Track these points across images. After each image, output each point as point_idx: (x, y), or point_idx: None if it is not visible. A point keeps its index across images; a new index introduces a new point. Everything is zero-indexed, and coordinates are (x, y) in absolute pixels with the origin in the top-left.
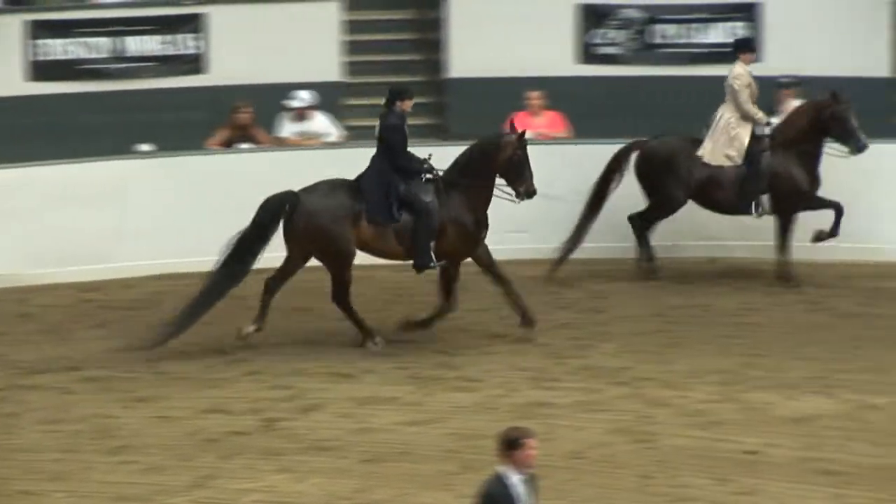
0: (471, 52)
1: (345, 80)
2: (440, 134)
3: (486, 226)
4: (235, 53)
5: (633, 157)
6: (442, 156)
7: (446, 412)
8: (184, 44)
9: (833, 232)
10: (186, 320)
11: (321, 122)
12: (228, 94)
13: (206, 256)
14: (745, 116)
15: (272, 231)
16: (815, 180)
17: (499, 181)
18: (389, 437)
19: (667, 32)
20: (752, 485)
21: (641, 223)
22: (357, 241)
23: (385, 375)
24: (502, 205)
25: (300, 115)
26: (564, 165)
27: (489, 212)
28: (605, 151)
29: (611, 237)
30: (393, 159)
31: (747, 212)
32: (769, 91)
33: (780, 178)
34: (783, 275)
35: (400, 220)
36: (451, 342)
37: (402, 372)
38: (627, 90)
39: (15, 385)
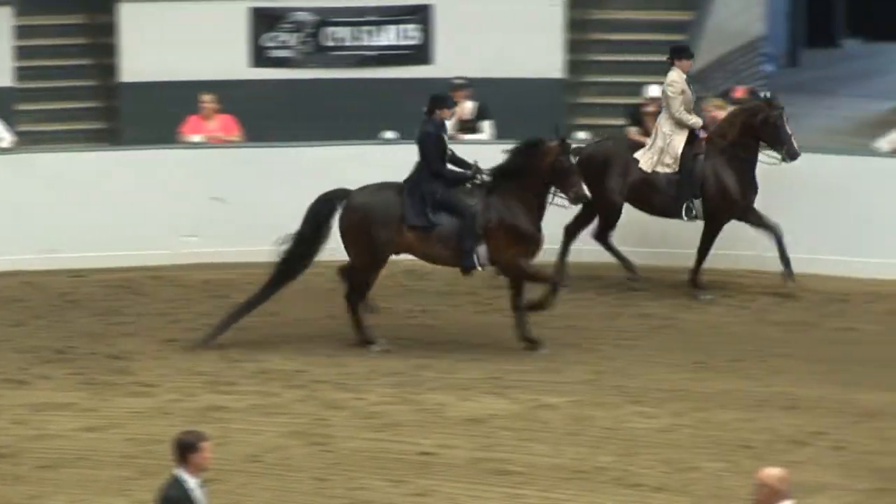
0: (143, 57)
1: (16, 84)
2: (112, 139)
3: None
4: None
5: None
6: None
7: (123, 417)
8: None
9: (787, 272)
10: (237, 316)
11: None
12: None
13: None
14: (679, 123)
15: (324, 228)
16: (748, 188)
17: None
18: (66, 444)
19: (338, 35)
20: (428, 486)
21: (599, 235)
22: (400, 244)
23: (60, 381)
24: (174, 208)
25: None
26: (236, 168)
27: None
28: (278, 154)
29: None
30: (429, 167)
31: (679, 216)
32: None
33: (711, 184)
34: (695, 281)
35: (435, 226)
36: (124, 347)
37: (77, 378)
38: (300, 93)
39: None
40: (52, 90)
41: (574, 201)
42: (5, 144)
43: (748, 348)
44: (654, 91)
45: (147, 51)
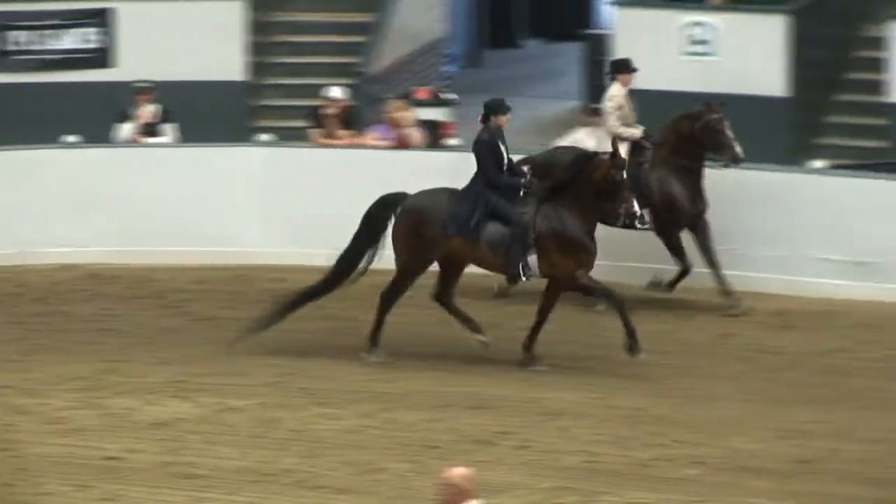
0: None
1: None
2: None
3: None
4: None
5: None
6: None
7: None
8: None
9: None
10: (286, 310)
11: None
12: None
13: None
14: (619, 137)
15: (381, 230)
16: (696, 196)
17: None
18: None
19: (19, 39)
20: (114, 490)
21: None
22: (447, 248)
23: None
24: None
25: None
26: None
27: None
28: None
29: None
30: (482, 175)
31: (632, 225)
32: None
33: (657, 194)
34: (724, 293)
35: (479, 234)
36: None
37: None
38: None
39: None
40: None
41: (625, 217)
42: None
43: (437, 349)
44: (335, 92)
45: None
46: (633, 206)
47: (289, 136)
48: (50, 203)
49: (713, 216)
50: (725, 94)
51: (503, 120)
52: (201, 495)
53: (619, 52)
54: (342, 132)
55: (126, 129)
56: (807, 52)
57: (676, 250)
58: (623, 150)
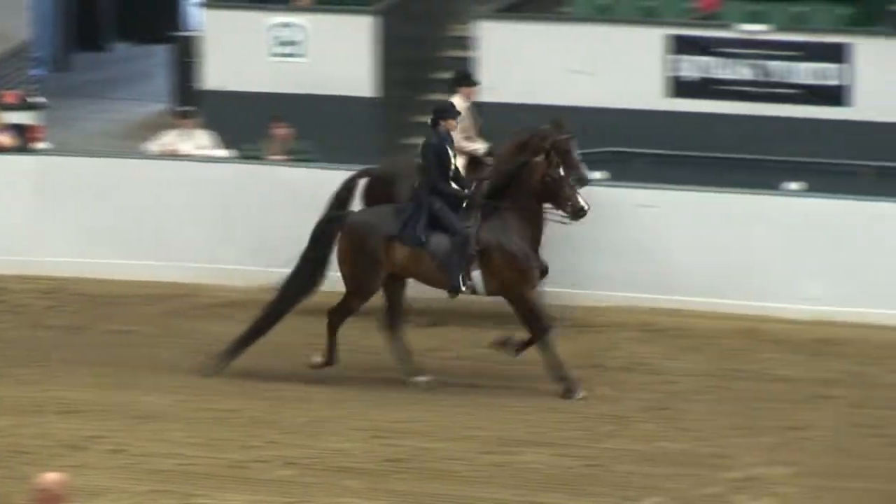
0: None
1: None
2: None
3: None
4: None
5: (361, 183)
6: None
7: None
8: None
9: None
10: (245, 343)
11: None
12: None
13: None
14: (461, 151)
15: (327, 251)
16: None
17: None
18: None
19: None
20: None
21: None
22: (391, 263)
23: None
24: None
25: None
26: None
27: None
28: None
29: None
30: (429, 181)
31: None
32: None
33: None
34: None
35: (426, 243)
36: None
37: None
38: None
39: None
40: None
41: (573, 215)
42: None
43: (23, 353)
44: None
45: None
46: (578, 202)
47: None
48: None
49: None
50: (315, 94)
51: (452, 124)
52: None
53: (209, 54)
54: None
55: None
56: (393, 52)
57: None
58: (461, 163)
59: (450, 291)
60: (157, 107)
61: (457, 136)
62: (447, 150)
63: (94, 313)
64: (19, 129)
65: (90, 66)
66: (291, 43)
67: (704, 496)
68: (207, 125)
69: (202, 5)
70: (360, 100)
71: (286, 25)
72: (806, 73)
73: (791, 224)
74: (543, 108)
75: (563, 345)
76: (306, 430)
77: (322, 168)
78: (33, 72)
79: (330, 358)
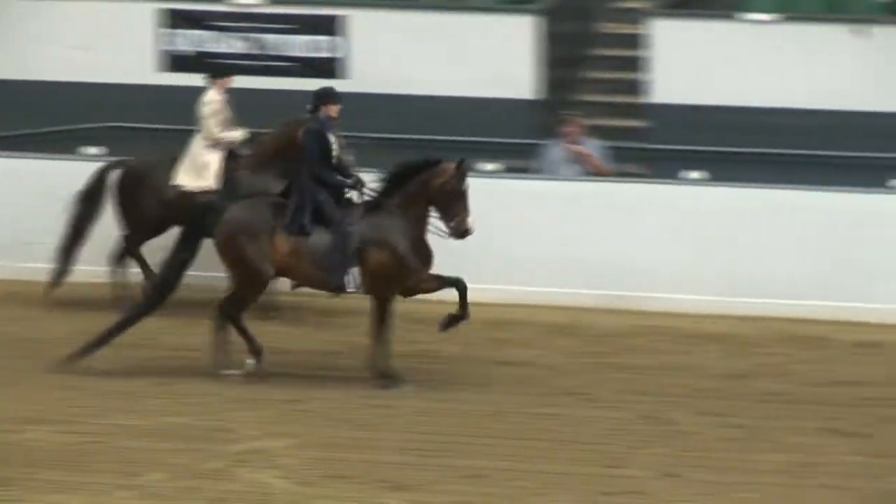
0: None
1: None
2: None
3: (426, 258)
4: None
5: (113, 175)
6: None
7: None
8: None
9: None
10: (108, 337)
11: None
12: None
13: None
14: (218, 143)
15: (197, 241)
16: None
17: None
18: None
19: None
20: None
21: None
22: (275, 258)
23: None
24: None
25: None
26: None
27: None
28: None
29: None
30: (310, 168)
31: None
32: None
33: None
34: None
35: (311, 234)
36: None
37: None
38: None
39: None
40: None
41: (454, 232)
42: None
43: None
44: None
45: None
46: (465, 223)
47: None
48: None
49: None
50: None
51: (334, 110)
52: None
53: None
54: None
55: None
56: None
57: None
58: (218, 157)
59: (334, 291)
60: None
61: (216, 127)
62: (327, 136)
63: None
64: None
65: None
66: None
67: (208, 470)
68: None
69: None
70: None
71: None
72: (301, 45)
73: None
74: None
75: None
76: None
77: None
78: None
79: (255, 352)
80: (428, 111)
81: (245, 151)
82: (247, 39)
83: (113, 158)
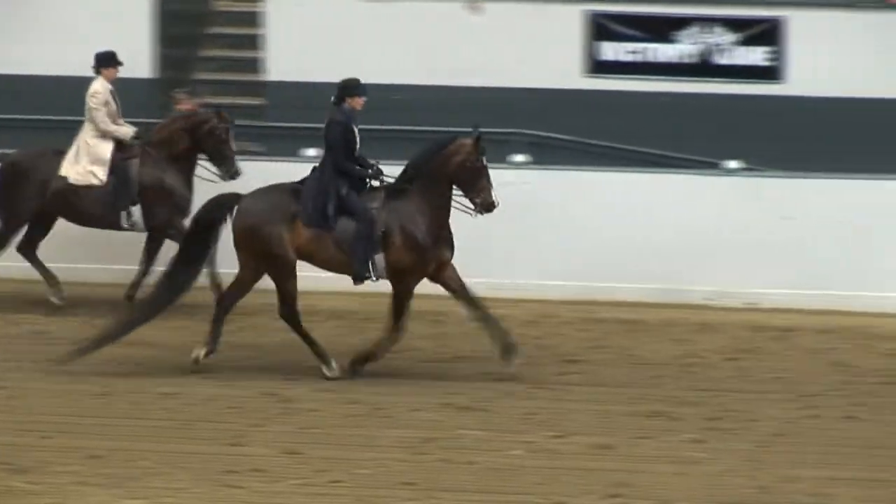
0: None
1: None
2: None
3: (448, 242)
4: None
5: None
6: None
7: None
8: None
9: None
10: (121, 331)
11: None
12: None
13: None
14: (106, 135)
15: (213, 235)
16: (187, 196)
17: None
18: None
19: None
20: None
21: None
22: (295, 246)
23: None
24: None
25: None
26: None
27: None
28: None
29: None
30: (333, 161)
31: (117, 225)
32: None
33: (152, 191)
34: (215, 288)
35: (335, 227)
36: None
37: None
38: None
39: None
40: None
41: (481, 208)
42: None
43: None
44: None
45: None
46: (490, 197)
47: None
48: None
49: None
50: None
51: (359, 102)
52: None
53: None
54: None
55: None
56: None
57: (154, 251)
58: (109, 146)
59: (355, 279)
60: None
61: (103, 119)
62: (353, 128)
63: None
64: None
65: None
66: None
67: None
68: None
69: None
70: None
71: None
72: None
73: None
74: None
75: None
76: None
77: None
78: None
79: (321, 352)
80: (41, 92)
81: (135, 143)
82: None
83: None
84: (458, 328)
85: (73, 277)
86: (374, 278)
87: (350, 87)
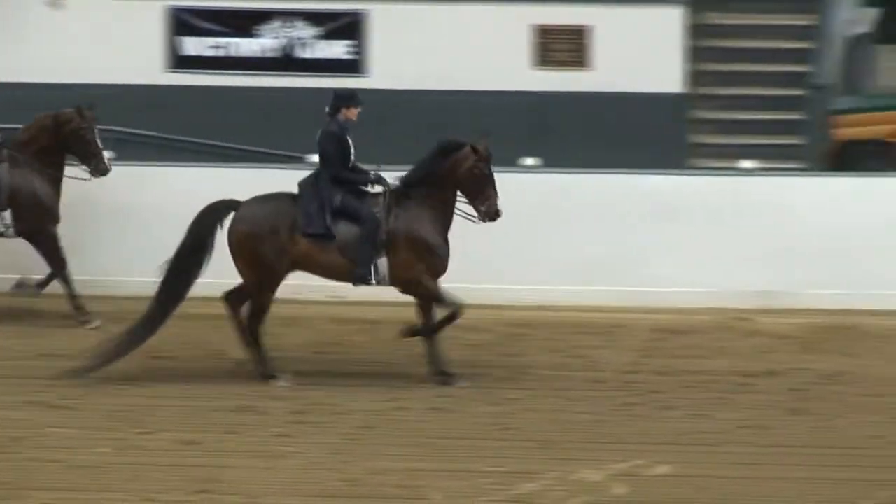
0: None
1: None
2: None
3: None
4: None
5: None
6: None
7: None
8: None
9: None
10: (127, 346)
11: None
12: None
13: None
14: None
15: (209, 243)
16: (56, 200)
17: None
18: None
19: None
20: None
21: None
22: (292, 254)
23: None
24: None
25: None
26: None
27: None
28: None
29: None
30: (330, 171)
31: None
32: None
33: (22, 194)
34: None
35: (334, 234)
36: None
37: None
38: None
39: None
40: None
41: (486, 216)
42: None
43: None
44: None
45: None
46: (495, 205)
47: None
48: None
49: None
50: None
51: (353, 113)
52: None
53: None
54: None
55: None
56: None
57: (56, 260)
58: None
59: (356, 282)
60: None
61: None
62: (347, 138)
63: None
64: None
65: None
66: None
67: None
68: None
69: None
70: None
71: None
72: None
73: None
74: None
75: None
76: None
77: None
78: None
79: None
80: None
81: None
82: None
83: None
84: (47, 325)
85: None
86: (375, 282)
87: (344, 98)
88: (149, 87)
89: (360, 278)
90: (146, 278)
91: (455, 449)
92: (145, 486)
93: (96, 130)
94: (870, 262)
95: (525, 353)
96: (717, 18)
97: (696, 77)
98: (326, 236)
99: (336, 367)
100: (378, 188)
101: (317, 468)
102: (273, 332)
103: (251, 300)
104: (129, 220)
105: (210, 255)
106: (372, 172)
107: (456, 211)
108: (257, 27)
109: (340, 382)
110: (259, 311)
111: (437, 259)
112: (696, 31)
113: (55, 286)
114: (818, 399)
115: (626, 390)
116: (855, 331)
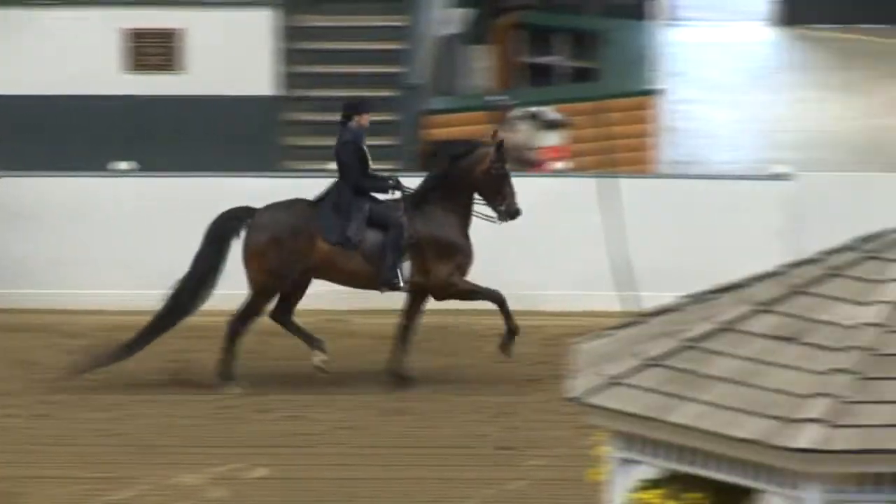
0: None
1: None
2: None
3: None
4: None
5: None
6: None
7: None
8: None
9: None
10: (132, 349)
11: None
12: None
13: None
14: None
15: (224, 250)
16: None
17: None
18: None
19: None
20: None
21: None
22: (312, 262)
23: None
24: None
25: None
26: None
27: None
28: None
29: None
30: (349, 179)
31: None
32: None
33: None
34: None
35: (357, 244)
36: None
37: None
38: None
39: None
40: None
41: (505, 215)
42: None
43: None
44: None
45: None
46: (514, 204)
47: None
48: None
49: None
50: None
51: (366, 119)
52: None
53: None
54: None
55: None
56: None
57: None
58: None
59: (382, 286)
60: None
61: None
62: (362, 146)
63: None
64: None
65: None
66: None
67: None
68: None
69: None
70: None
71: None
72: None
73: None
74: None
75: None
76: None
77: None
78: None
79: (229, 370)
80: None
81: None
82: None
83: None
84: None
85: None
86: (402, 284)
87: (355, 106)
88: None
89: (387, 282)
90: None
91: (57, 455)
92: None
93: None
94: None
95: (130, 358)
96: (309, 20)
97: (289, 79)
98: (351, 244)
99: None
100: (396, 194)
101: None
102: None
103: (247, 300)
104: None
105: (225, 264)
106: (390, 179)
107: (474, 213)
108: None
109: None
110: (250, 314)
111: (462, 258)
112: (290, 33)
113: None
114: (418, 400)
115: (226, 394)
116: (454, 331)
